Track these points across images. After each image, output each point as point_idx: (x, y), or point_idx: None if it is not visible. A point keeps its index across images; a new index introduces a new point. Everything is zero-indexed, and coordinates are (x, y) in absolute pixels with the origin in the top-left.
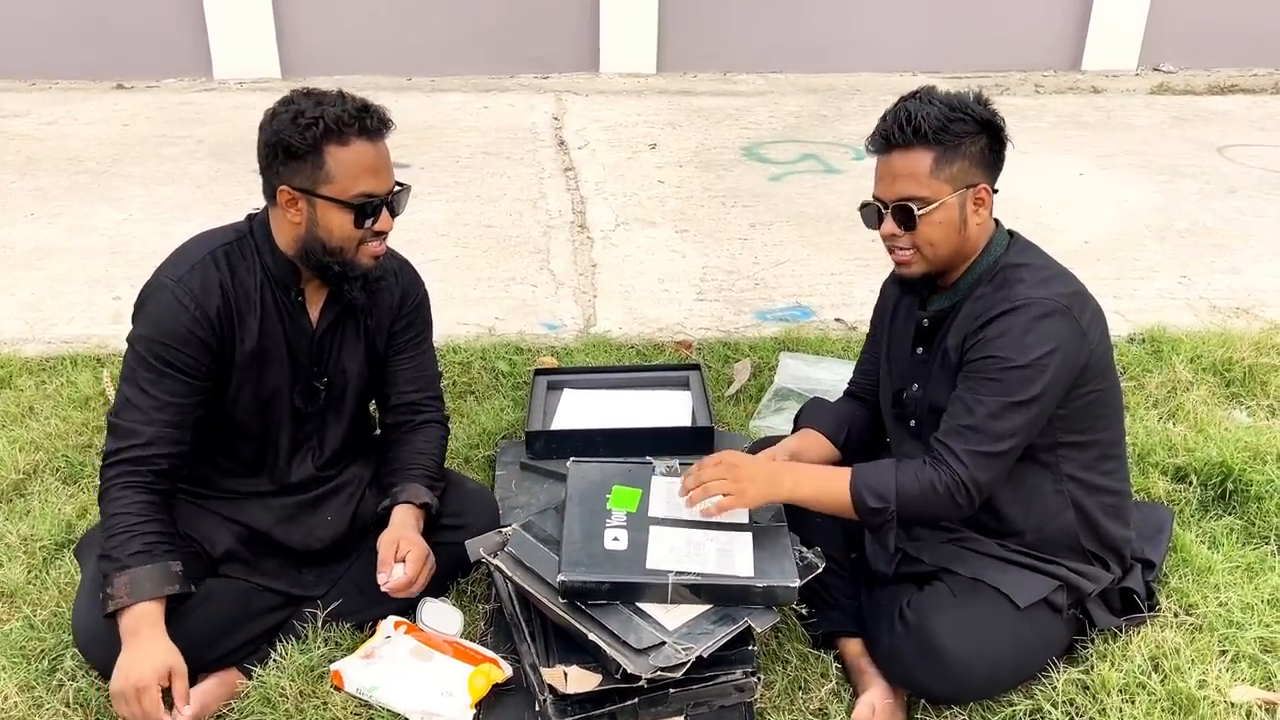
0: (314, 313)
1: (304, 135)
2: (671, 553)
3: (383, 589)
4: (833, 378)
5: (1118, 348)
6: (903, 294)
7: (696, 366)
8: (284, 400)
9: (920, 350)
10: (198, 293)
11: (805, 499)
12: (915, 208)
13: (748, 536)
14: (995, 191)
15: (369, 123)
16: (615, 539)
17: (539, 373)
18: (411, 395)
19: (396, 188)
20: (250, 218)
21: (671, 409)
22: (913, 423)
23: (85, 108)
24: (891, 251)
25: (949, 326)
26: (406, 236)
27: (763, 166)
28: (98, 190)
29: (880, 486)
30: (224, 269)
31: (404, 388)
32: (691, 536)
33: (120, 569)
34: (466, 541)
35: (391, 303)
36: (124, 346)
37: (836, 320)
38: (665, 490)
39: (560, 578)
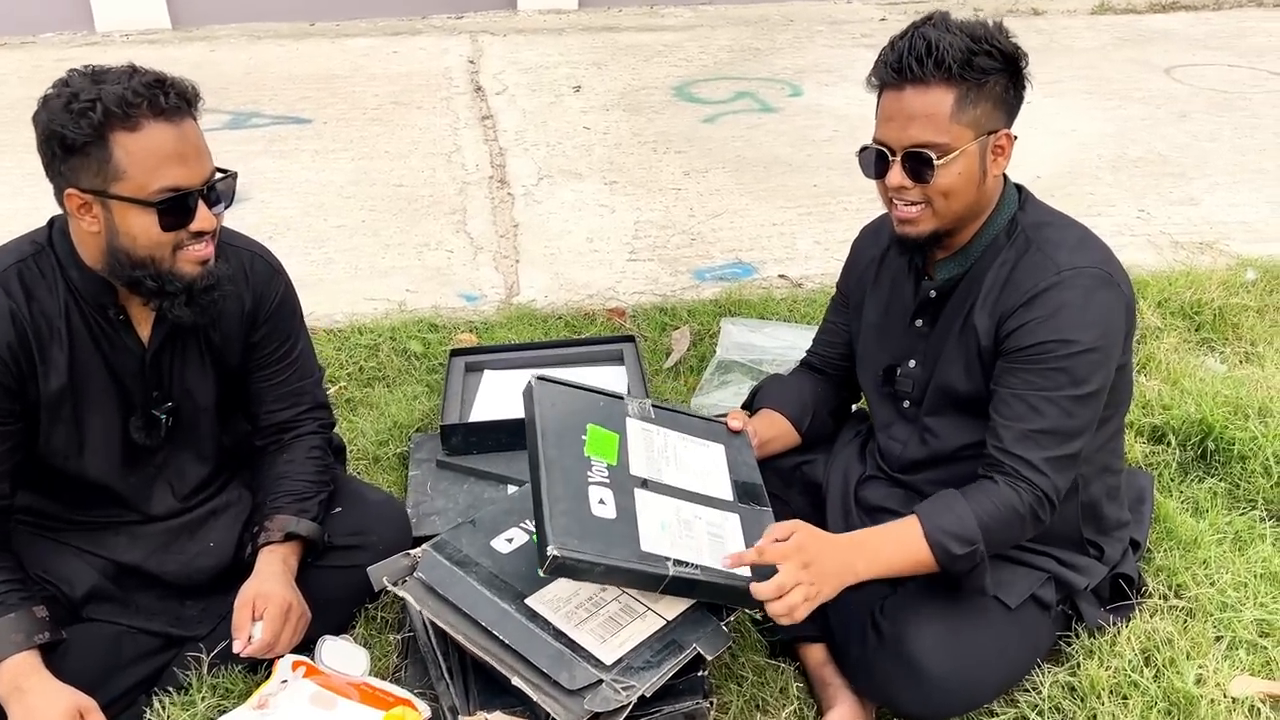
0: (143, 331)
1: (80, 123)
2: (664, 531)
3: (241, 655)
4: (778, 345)
5: None
6: (901, 255)
7: (631, 338)
8: (115, 437)
9: (920, 323)
10: None
11: (882, 573)
12: (934, 156)
13: (736, 520)
14: (1015, 138)
15: (164, 100)
16: (601, 501)
17: (455, 353)
18: (283, 414)
19: (217, 175)
20: (52, 223)
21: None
22: (907, 403)
23: None
24: (893, 206)
25: (969, 297)
26: (308, 200)
27: (695, 107)
28: None
29: (961, 529)
30: (16, 293)
31: (272, 406)
32: (680, 511)
33: None
34: (369, 568)
35: (242, 310)
36: None
37: (780, 277)
38: (642, 440)
39: (550, 550)
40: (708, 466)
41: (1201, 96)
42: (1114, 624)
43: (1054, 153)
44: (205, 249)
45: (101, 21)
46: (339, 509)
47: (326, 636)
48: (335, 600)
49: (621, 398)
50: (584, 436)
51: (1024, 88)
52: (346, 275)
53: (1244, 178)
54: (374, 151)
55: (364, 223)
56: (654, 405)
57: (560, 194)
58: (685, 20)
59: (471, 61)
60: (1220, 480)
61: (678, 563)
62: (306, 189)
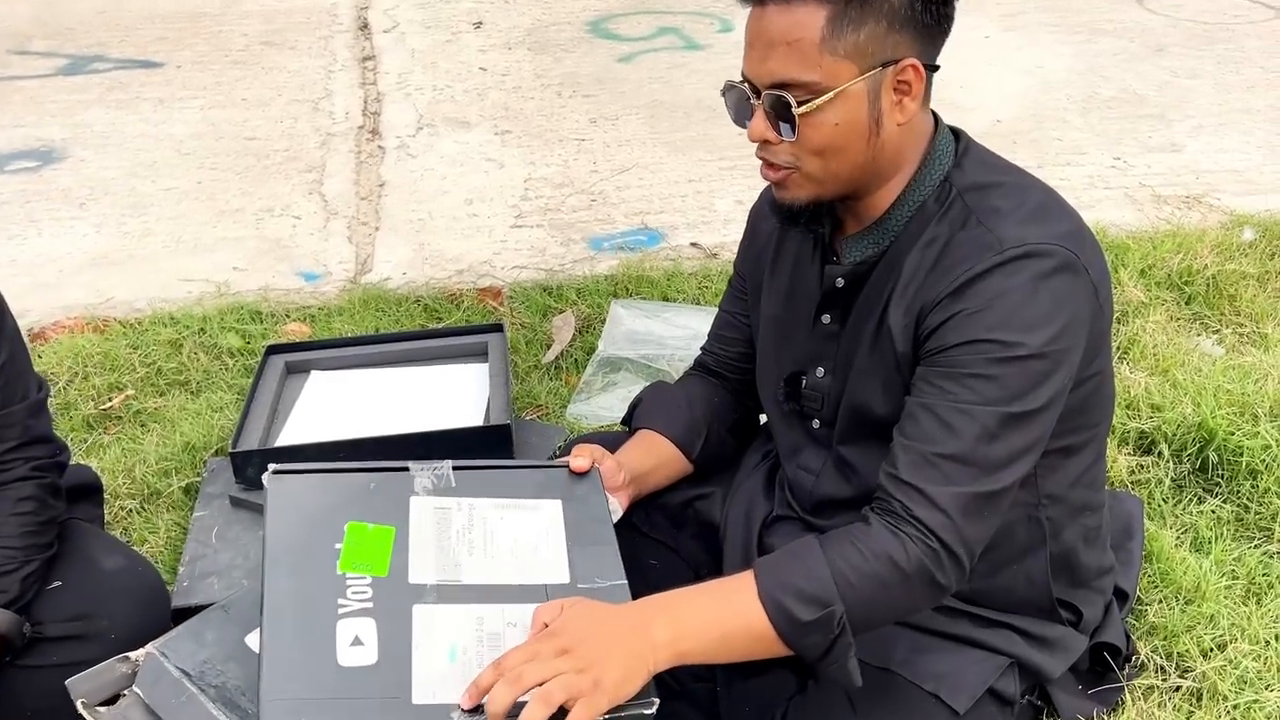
0: None
1: None
2: (454, 663)
3: None
4: (680, 334)
5: None
6: (784, 225)
7: (499, 328)
8: None
9: (827, 319)
10: None
11: (696, 650)
12: (793, 99)
13: None
14: (934, 69)
15: None
16: (357, 640)
17: (273, 350)
18: None
19: None
20: None
21: (459, 393)
22: (816, 423)
23: None
24: (764, 164)
25: (884, 287)
26: (138, 158)
27: (611, 45)
28: None
29: (810, 585)
30: None
31: None
32: (485, 621)
33: None
34: (68, 681)
35: None
36: None
37: (692, 245)
38: (434, 526)
39: None
40: (535, 539)
41: (1179, 28)
42: (1097, 715)
43: (1015, 92)
44: None
45: None
46: (59, 583)
47: None
48: (50, 711)
49: (406, 468)
50: (338, 545)
51: (950, 2)
52: (164, 250)
53: (1230, 119)
54: (229, 100)
55: (199, 185)
56: (455, 467)
57: (441, 146)
58: None
59: None
60: (1225, 501)
61: (467, 713)
62: (139, 144)
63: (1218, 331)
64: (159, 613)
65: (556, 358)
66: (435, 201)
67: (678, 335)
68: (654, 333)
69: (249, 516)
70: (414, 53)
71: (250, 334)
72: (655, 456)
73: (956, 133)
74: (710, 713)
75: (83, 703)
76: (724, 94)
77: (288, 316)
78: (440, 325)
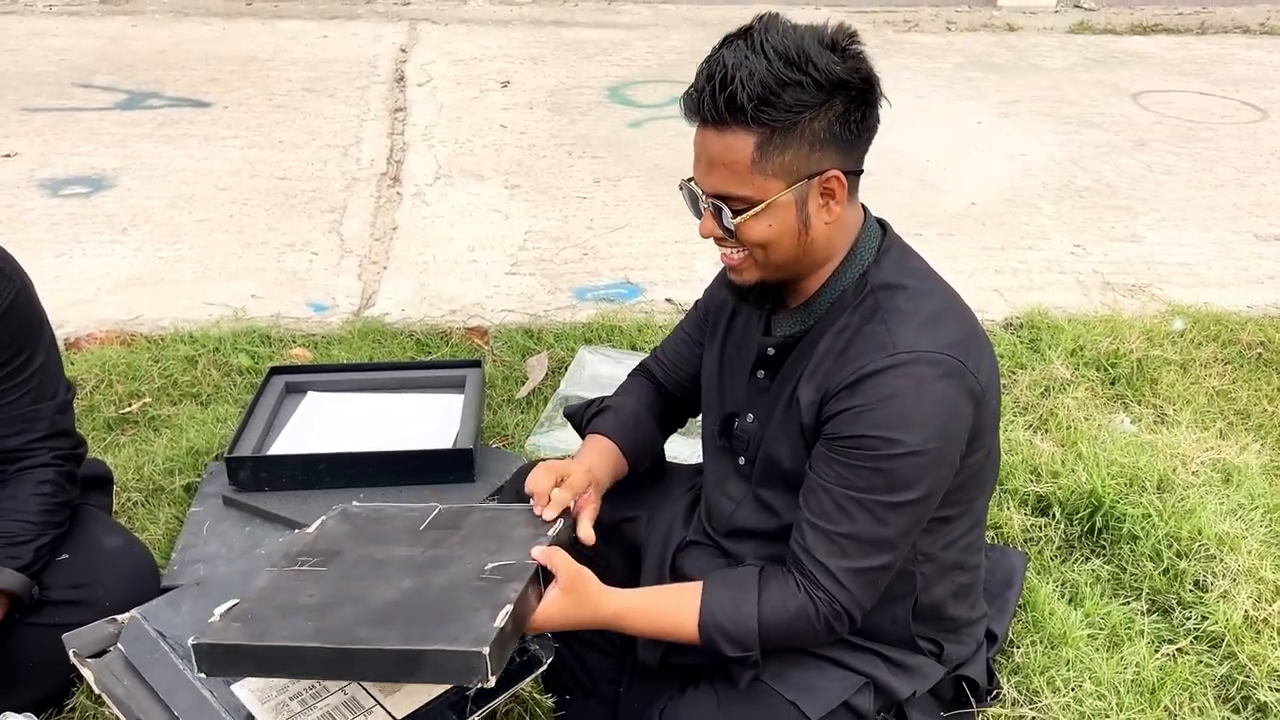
0: None
1: None
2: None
3: None
4: None
5: (992, 335)
6: (736, 300)
7: (478, 363)
8: None
9: (761, 374)
10: None
11: (636, 629)
12: (730, 211)
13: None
14: (858, 174)
15: None
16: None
17: (276, 370)
18: (9, 441)
19: None
20: None
21: (436, 420)
22: (743, 460)
23: None
24: (720, 252)
25: (802, 363)
26: (179, 190)
27: (624, 110)
28: None
29: (738, 628)
30: None
31: None
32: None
33: None
34: (65, 635)
35: None
36: None
37: (667, 300)
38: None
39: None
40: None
41: (1165, 125)
42: None
43: (995, 178)
44: None
45: None
46: (65, 556)
47: (8, 713)
48: (47, 665)
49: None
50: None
51: (868, 116)
52: (192, 276)
53: (1194, 214)
54: (267, 141)
55: (231, 218)
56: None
57: (454, 196)
58: (641, 18)
59: (403, 50)
60: (1106, 562)
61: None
62: (181, 178)
63: (1134, 411)
64: (149, 589)
65: (529, 394)
66: (441, 246)
67: None
68: (616, 377)
69: (237, 515)
70: (442, 107)
71: (259, 355)
72: (611, 462)
73: (884, 225)
74: (613, 710)
75: (75, 653)
76: (680, 188)
77: (294, 341)
78: (426, 358)
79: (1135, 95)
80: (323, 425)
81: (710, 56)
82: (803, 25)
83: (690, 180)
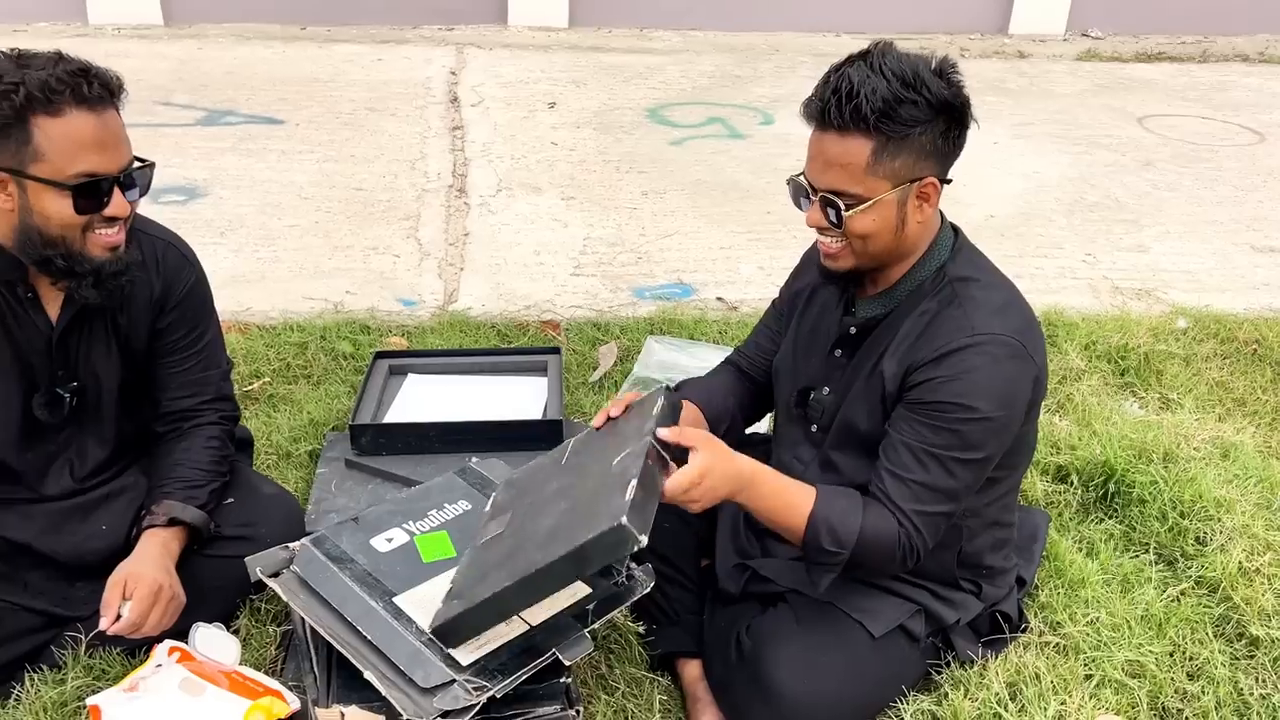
0: (52, 311)
1: (4, 105)
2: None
3: (108, 633)
4: (700, 365)
5: None
6: (826, 283)
7: (556, 350)
8: (15, 413)
9: (839, 353)
10: None
11: (757, 512)
12: (844, 205)
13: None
14: (947, 182)
15: (87, 89)
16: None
17: (380, 355)
18: (184, 402)
19: (136, 164)
20: None
21: (523, 398)
22: (815, 428)
23: None
24: (819, 240)
25: (884, 340)
26: (266, 199)
27: (665, 129)
28: None
29: (842, 529)
30: None
31: (175, 394)
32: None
33: None
34: (247, 559)
35: (151, 297)
36: None
37: (718, 299)
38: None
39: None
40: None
41: (1169, 146)
42: (985, 657)
43: (1012, 193)
44: (116, 235)
45: (95, 14)
46: (231, 500)
47: (200, 624)
48: (220, 589)
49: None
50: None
51: (962, 134)
52: (290, 274)
53: (1196, 228)
54: (340, 155)
55: (317, 224)
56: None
57: (516, 206)
58: (672, 44)
59: (453, 73)
60: (1118, 522)
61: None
62: (267, 188)
63: (1142, 397)
64: (298, 530)
65: (600, 378)
66: (509, 250)
67: (699, 366)
68: (680, 363)
69: (359, 475)
70: (496, 126)
71: (359, 342)
72: (692, 416)
73: (955, 229)
74: (697, 637)
75: (260, 569)
76: (788, 182)
77: (389, 331)
78: (510, 346)
79: (1141, 119)
80: (425, 401)
81: (834, 72)
82: (912, 53)
83: (801, 175)
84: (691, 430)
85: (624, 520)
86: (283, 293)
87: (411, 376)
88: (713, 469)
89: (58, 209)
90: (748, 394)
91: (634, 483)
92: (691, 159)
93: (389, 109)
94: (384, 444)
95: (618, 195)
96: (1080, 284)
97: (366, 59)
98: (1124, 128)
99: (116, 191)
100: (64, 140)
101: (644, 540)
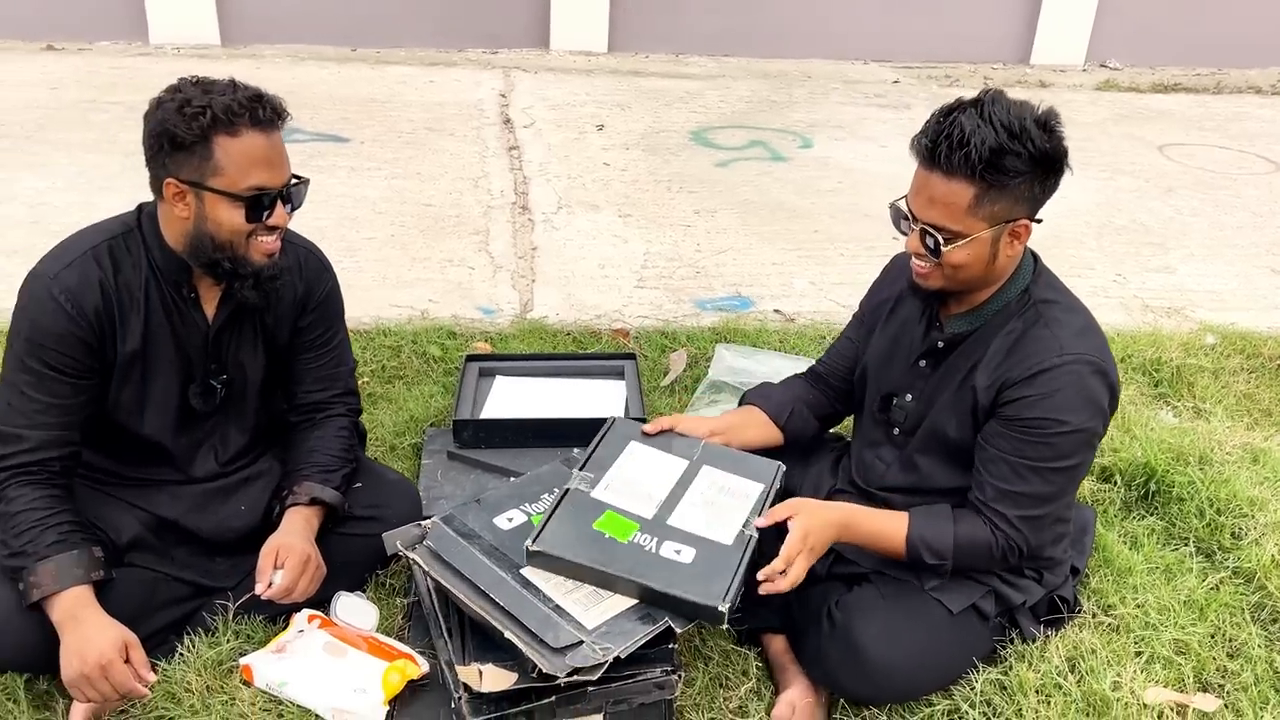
0: (209, 309)
1: (191, 125)
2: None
3: (262, 598)
4: (767, 370)
5: None
6: (913, 296)
7: (632, 356)
8: (173, 401)
9: (924, 364)
10: (75, 290)
11: (857, 539)
12: (943, 240)
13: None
14: (1038, 222)
15: (261, 113)
16: (677, 551)
17: (471, 359)
18: (317, 395)
19: (293, 181)
20: (140, 209)
21: (605, 398)
22: (897, 431)
23: (12, 69)
24: (913, 261)
25: (973, 356)
26: (342, 213)
27: (710, 152)
28: (21, 156)
29: (938, 543)
30: (105, 265)
31: (310, 387)
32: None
33: (39, 559)
34: (384, 535)
35: (294, 298)
36: None
37: (775, 312)
38: (623, 479)
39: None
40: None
41: (1190, 174)
42: (1046, 636)
43: (1045, 216)
44: (274, 242)
45: (155, 34)
46: (359, 484)
47: (341, 592)
48: (350, 564)
49: (569, 488)
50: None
51: (1057, 181)
52: (374, 283)
53: (1219, 251)
54: (406, 172)
55: (393, 237)
56: (580, 472)
57: (577, 223)
58: (708, 70)
59: (503, 95)
60: (1159, 519)
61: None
62: (341, 203)
63: (1175, 407)
64: (418, 512)
65: (672, 382)
66: (576, 264)
67: (766, 371)
68: (748, 368)
69: (462, 465)
70: (550, 147)
71: (448, 346)
72: (744, 419)
73: (1035, 255)
74: (781, 615)
75: (399, 543)
76: (890, 206)
77: (473, 337)
78: (587, 350)
79: (1161, 147)
80: (515, 399)
81: (949, 118)
82: (1020, 101)
83: (903, 200)
84: (780, 506)
85: (720, 608)
86: (370, 300)
87: (499, 378)
88: (810, 529)
89: (229, 217)
90: (820, 399)
91: (739, 573)
92: (738, 180)
93: (447, 129)
94: (483, 438)
95: (671, 213)
96: (1113, 302)
97: (419, 80)
98: (1145, 155)
99: (279, 204)
100: (240, 157)
101: (725, 616)
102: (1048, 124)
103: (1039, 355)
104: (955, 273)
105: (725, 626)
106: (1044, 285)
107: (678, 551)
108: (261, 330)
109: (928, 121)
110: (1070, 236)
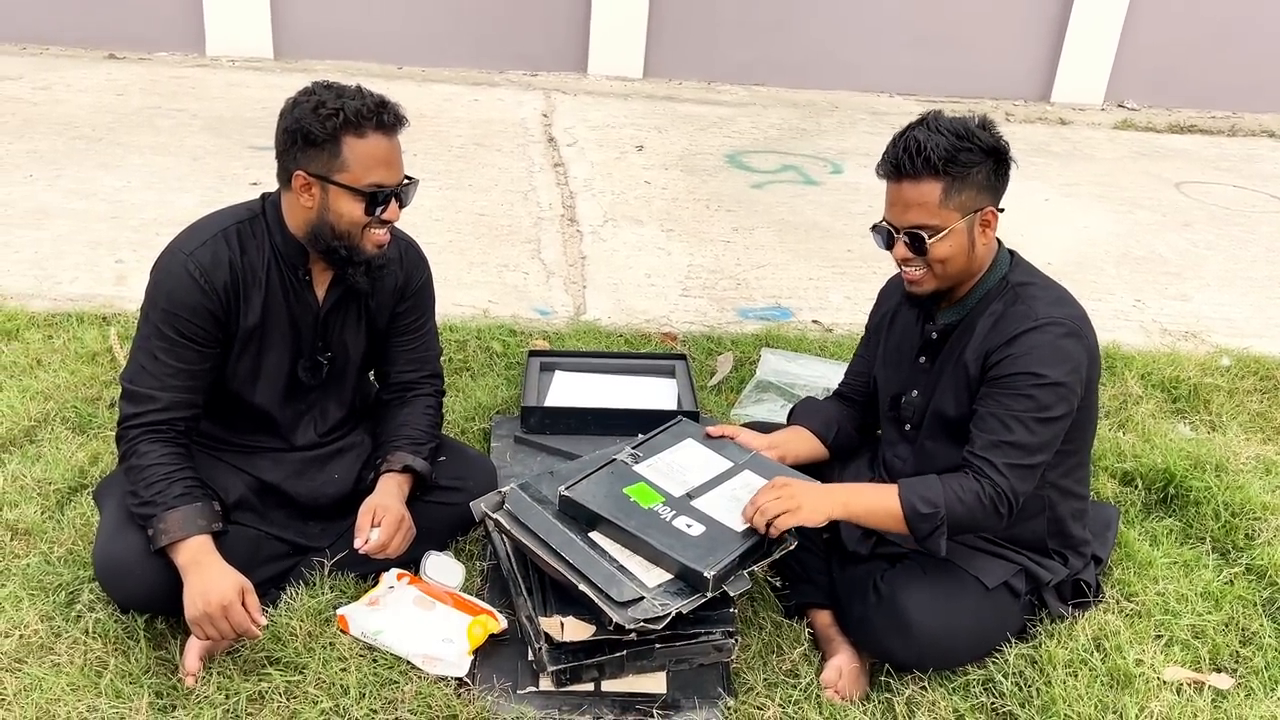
0: (320, 292)
1: (324, 125)
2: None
3: (359, 552)
4: (810, 373)
5: None
6: (910, 307)
7: (683, 356)
8: (283, 374)
9: (923, 359)
10: (208, 266)
11: (857, 514)
12: (926, 235)
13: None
14: (1001, 211)
15: (385, 118)
16: (688, 526)
17: (533, 354)
18: (408, 375)
19: (405, 181)
20: (264, 198)
21: (658, 394)
22: (908, 426)
23: (78, 75)
24: (903, 270)
25: (963, 340)
26: (402, 220)
27: (745, 174)
28: (95, 156)
29: (928, 494)
30: (234, 246)
31: (402, 367)
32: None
33: (167, 509)
34: (470, 502)
35: (395, 286)
36: (128, 307)
37: (814, 322)
38: (659, 473)
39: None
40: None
41: (1205, 210)
42: (1072, 615)
43: (1066, 245)
44: (385, 235)
45: (212, 46)
46: (444, 458)
47: (431, 551)
48: (434, 530)
49: (615, 459)
50: (632, 499)
51: (1007, 172)
52: (436, 284)
53: (1233, 282)
54: (459, 184)
55: (450, 243)
56: (641, 437)
57: (623, 235)
58: (739, 98)
59: (545, 115)
60: (1177, 520)
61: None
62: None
63: (1191, 421)
64: (495, 485)
65: (719, 382)
66: (623, 273)
67: (809, 374)
68: (792, 371)
69: (528, 449)
70: (593, 164)
71: (508, 343)
72: (796, 436)
73: (1011, 251)
74: (826, 591)
75: (484, 509)
76: (872, 229)
77: (533, 335)
78: (640, 350)
79: (1178, 184)
80: (575, 391)
81: (904, 136)
82: (958, 116)
83: (883, 221)
84: (772, 508)
85: (706, 574)
86: (436, 300)
87: (559, 372)
88: (794, 486)
89: (350, 209)
90: (853, 413)
91: (736, 554)
92: (773, 200)
93: (494, 145)
94: (549, 424)
95: (711, 229)
96: (1132, 325)
97: (464, 99)
98: (1162, 192)
99: (393, 200)
100: (365, 156)
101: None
102: (986, 125)
103: (1018, 323)
104: (943, 269)
105: (773, 599)
106: (1020, 271)
107: (689, 526)
108: (365, 314)
109: (886, 148)
110: (1091, 263)
